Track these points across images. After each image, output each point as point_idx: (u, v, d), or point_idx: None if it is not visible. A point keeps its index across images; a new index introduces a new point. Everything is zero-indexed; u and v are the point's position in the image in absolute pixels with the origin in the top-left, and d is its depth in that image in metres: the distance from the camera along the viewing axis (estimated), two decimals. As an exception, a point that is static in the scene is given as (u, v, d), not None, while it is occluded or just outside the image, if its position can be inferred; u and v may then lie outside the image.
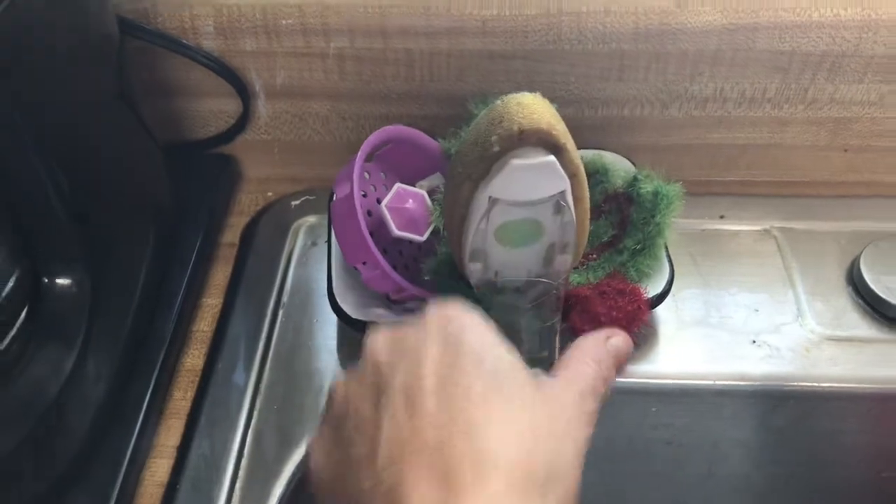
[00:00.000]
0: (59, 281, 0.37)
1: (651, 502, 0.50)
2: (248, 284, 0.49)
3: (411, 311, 0.45)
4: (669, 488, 0.49)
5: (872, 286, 0.46)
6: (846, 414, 0.45)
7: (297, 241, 0.51)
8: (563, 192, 0.38)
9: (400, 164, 0.47)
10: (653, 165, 0.47)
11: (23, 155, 0.37)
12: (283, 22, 0.48)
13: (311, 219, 0.53)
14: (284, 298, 0.48)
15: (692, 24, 0.47)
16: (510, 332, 0.40)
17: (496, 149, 0.37)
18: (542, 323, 0.41)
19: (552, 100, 0.39)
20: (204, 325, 0.47)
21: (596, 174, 0.49)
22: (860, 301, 0.47)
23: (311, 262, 0.50)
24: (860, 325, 0.46)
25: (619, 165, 0.48)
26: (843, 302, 0.47)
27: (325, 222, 0.50)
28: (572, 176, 0.38)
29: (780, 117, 0.50)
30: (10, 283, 0.36)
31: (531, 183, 0.38)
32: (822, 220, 0.51)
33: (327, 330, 0.46)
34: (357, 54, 0.49)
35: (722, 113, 0.50)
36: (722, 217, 0.51)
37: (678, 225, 0.48)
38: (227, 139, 0.54)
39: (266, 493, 0.40)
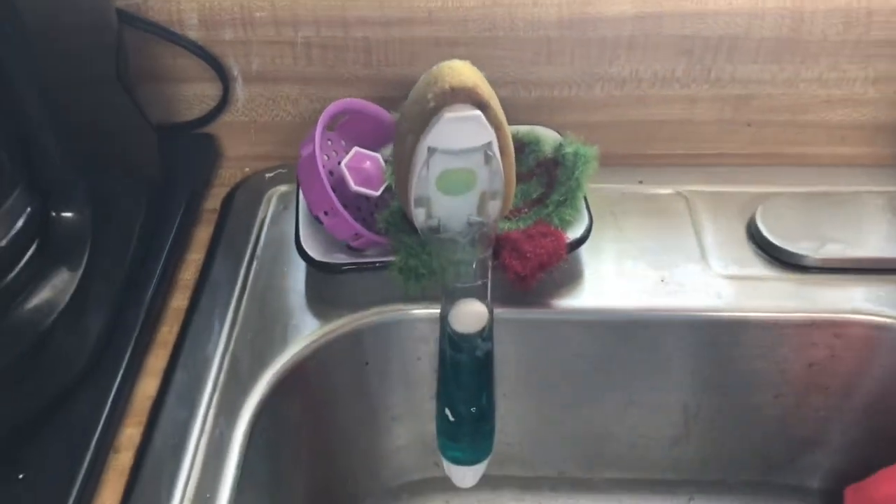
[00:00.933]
0: (65, 216, 0.44)
1: (580, 428, 0.57)
2: (227, 241, 0.56)
3: (369, 257, 0.52)
4: (596, 414, 0.56)
5: (766, 234, 0.54)
6: (744, 340, 0.52)
7: (271, 206, 0.58)
8: (489, 144, 0.46)
9: (359, 134, 0.55)
10: (580, 140, 0.55)
11: (36, 122, 0.44)
12: (257, 14, 0.56)
13: (282, 188, 0.60)
14: (259, 251, 0.55)
15: (608, 14, 0.55)
16: (450, 264, 0.48)
17: (432, 104, 0.44)
18: (477, 256, 0.48)
19: (491, 81, 0.46)
20: (188, 275, 0.54)
21: (530, 144, 0.56)
22: (756, 247, 0.54)
23: (282, 223, 0.57)
24: (756, 266, 0.53)
25: (549, 136, 0.56)
26: (742, 248, 0.54)
27: (295, 189, 0.57)
28: (497, 129, 0.46)
29: (688, 95, 0.58)
30: (23, 219, 0.43)
31: (462, 133, 0.45)
32: (727, 184, 0.58)
33: (295, 275, 0.53)
34: (322, 42, 0.57)
35: (638, 92, 0.58)
36: (640, 182, 0.59)
37: (602, 189, 0.56)
38: (209, 120, 0.61)
39: (240, 404, 0.46)
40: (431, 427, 0.52)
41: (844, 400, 0.55)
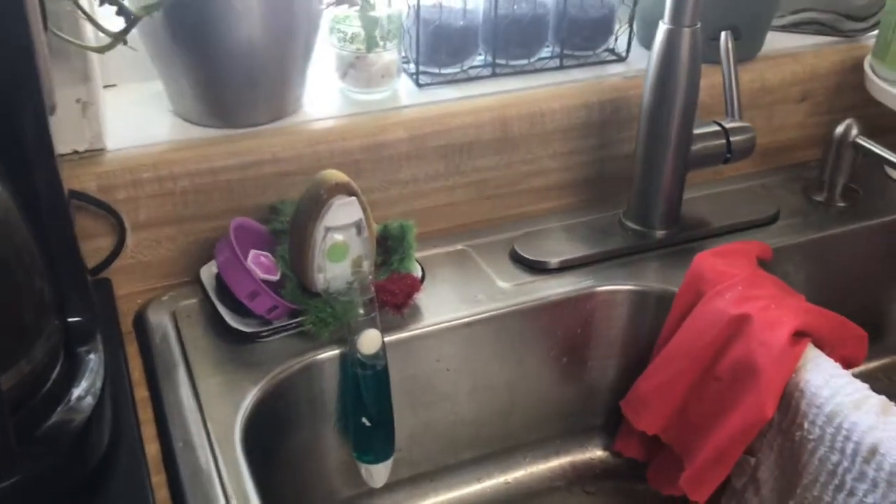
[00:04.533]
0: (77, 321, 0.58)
1: (444, 421, 0.79)
2: (156, 348, 0.71)
3: (281, 323, 0.71)
4: (454, 404, 0.78)
5: (524, 255, 0.82)
6: (532, 323, 0.79)
7: (177, 317, 0.74)
8: (361, 219, 0.69)
9: (246, 242, 0.74)
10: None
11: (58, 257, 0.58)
12: (144, 175, 0.74)
13: (179, 304, 0.76)
14: (186, 346, 0.71)
15: (391, 139, 0.81)
16: (350, 306, 0.69)
17: (325, 196, 0.67)
18: (364, 298, 0.70)
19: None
20: (137, 374, 0.68)
21: (360, 233, 0.80)
22: (519, 265, 0.82)
23: (193, 325, 0.73)
24: (523, 277, 0.81)
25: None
26: (512, 268, 0.82)
27: (191, 305, 0.75)
28: (364, 210, 0.70)
29: (449, 186, 0.86)
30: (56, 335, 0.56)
31: (344, 213, 0.68)
32: (488, 237, 0.87)
33: (222, 354, 0.70)
34: (195, 188, 0.76)
35: (418, 188, 0.85)
36: (435, 246, 0.85)
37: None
38: (103, 268, 0.76)
39: (230, 435, 0.62)
40: (340, 455, 0.72)
41: (605, 350, 0.83)
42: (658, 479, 0.80)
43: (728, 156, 0.84)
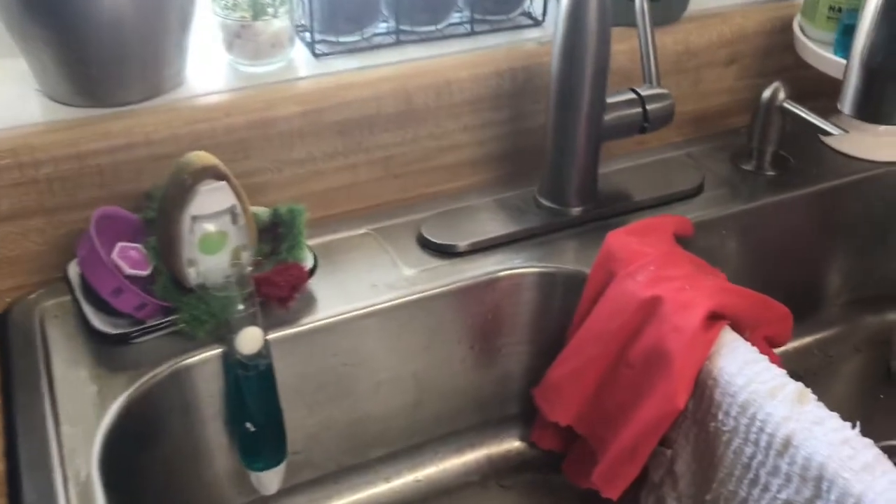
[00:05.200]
0: None
1: (345, 419, 0.73)
2: (16, 352, 0.64)
3: (152, 322, 0.65)
4: (356, 400, 0.73)
5: (431, 239, 0.76)
6: (436, 312, 0.73)
7: (45, 319, 0.68)
8: (234, 206, 0.63)
9: (115, 234, 0.68)
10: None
11: None
12: (1, 162, 0.67)
13: (47, 304, 0.69)
14: (49, 350, 0.64)
15: (282, 114, 0.75)
16: (227, 301, 0.63)
17: (189, 182, 0.60)
18: (243, 292, 0.64)
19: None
20: (-8, 386, 0.62)
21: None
22: (427, 250, 0.76)
23: (60, 326, 0.67)
24: (430, 262, 0.75)
25: (261, 210, 0.74)
26: (418, 253, 0.76)
27: (60, 305, 0.68)
28: (238, 196, 0.63)
29: (350, 164, 0.80)
30: None
31: (214, 200, 0.62)
32: (396, 219, 0.81)
33: (89, 356, 0.64)
34: (61, 175, 0.69)
35: (315, 168, 0.79)
36: (335, 231, 0.79)
37: (309, 242, 0.75)
38: (-39, 266, 0.69)
39: (87, 453, 0.56)
40: (229, 461, 0.66)
41: (517, 336, 0.78)
42: (574, 472, 0.75)
43: (645, 125, 0.78)
